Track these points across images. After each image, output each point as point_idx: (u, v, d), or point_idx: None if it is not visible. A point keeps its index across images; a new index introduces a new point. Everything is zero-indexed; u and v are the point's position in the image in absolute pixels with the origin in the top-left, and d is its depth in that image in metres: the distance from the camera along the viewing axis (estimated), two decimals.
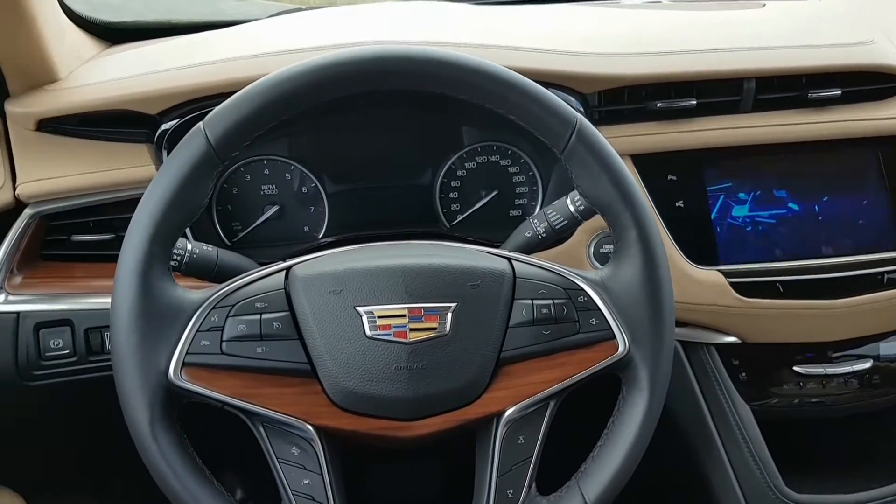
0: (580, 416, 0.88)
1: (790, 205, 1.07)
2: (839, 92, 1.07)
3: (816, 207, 1.07)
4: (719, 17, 1.31)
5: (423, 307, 0.73)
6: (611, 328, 0.76)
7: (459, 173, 1.17)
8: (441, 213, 1.18)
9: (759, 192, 1.07)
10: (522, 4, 1.42)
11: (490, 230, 1.13)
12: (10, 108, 1.00)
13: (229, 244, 1.13)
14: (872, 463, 1.14)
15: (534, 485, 0.75)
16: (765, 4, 1.38)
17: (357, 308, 0.73)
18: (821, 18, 1.31)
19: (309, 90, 0.72)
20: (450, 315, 0.73)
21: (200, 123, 0.72)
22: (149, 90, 0.98)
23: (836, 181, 1.08)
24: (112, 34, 1.30)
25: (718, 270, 1.04)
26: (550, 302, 0.76)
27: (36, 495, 1.22)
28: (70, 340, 0.95)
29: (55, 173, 0.99)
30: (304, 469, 0.72)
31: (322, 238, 1.15)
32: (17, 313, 0.95)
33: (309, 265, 0.77)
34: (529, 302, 0.76)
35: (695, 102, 1.04)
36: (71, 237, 1.02)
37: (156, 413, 0.69)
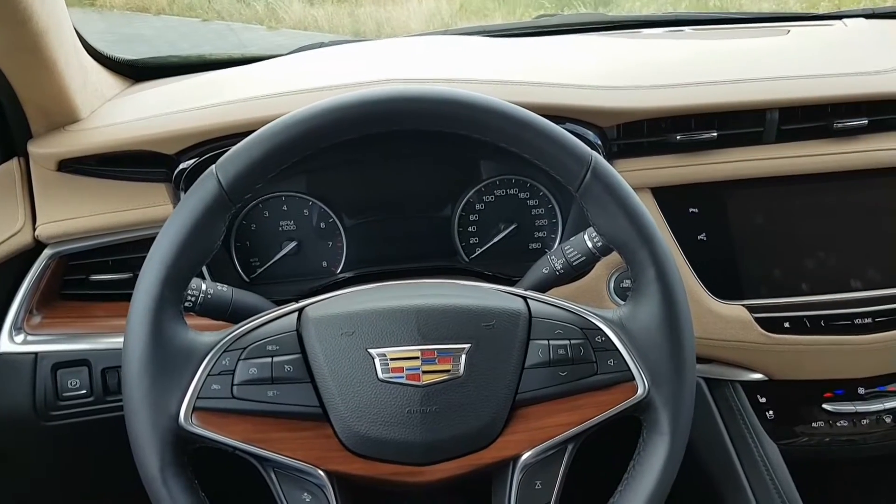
0: (600, 459, 0.86)
1: (817, 237, 1.05)
2: (865, 121, 1.05)
3: (844, 239, 1.05)
4: (742, 45, 1.29)
5: (436, 349, 0.72)
6: (629, 369, 0.75)
7: (478, 206, 1.16)
8: (460, 247, 1.17)
9: (783, 225, 1.05)
10: (539, 36, 1.41)
11: (509, 264, 1.12)
12: (33, 148, 1.01)
13: (248, 280, 1.13)
14: None
15: None
16: (789, 31, 1.36)
17: (369, 350, 0.72)
18: (846, 44, 1.29)
19: (319, 133, 0.72)
20: (463, 357, 0.72)
21: (213, 167, 0.72)
22: (166, 131, 0.99)
23: (863, 212, 1.05)
24: (135, 72, 1.32)
25: (742, 305, 1.01)
26: (567, 342, 0.75)
27: None
28: (87, 380, 0.96)
29: (74, 214, 1.00)
30: None
31: (340, 273, 1.15)
32: (36, 354, 0.96)
33: (321, 306, 0.76)
34: (546, 342, 0.75)
35: (716, 135, 1.03)
36: (90, 277, 1.03)
37: (166, 458, 0.69)
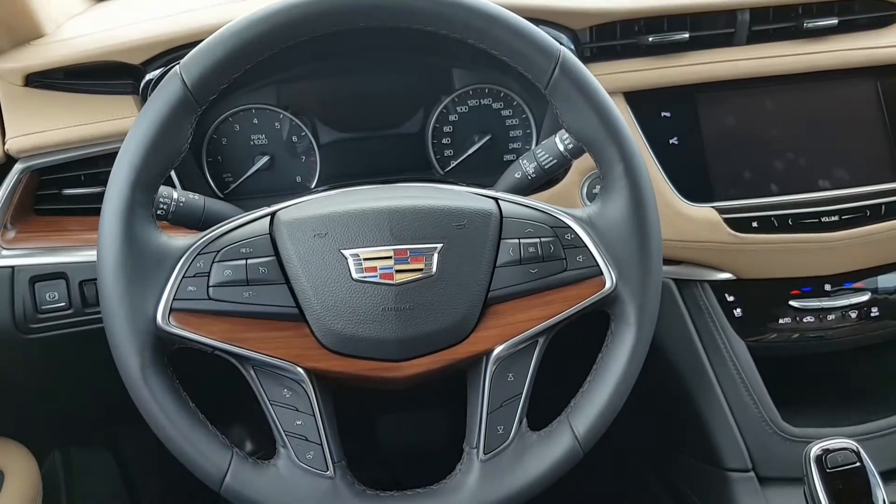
0: (571, 353, 0.88)
1: (786, 138, 1.06)
2: (836, 21, 1.05)
3: (813, 140, 1.06)
4: None
5: (408, 248, 0.73)
6: (598, 265, 0.76)
7: (451, 118, 1.15)
8: (434, 160, 1.17)
9: (753, 127, 1.05)
10: None
11: (485, 175, 1.12)
12: None
13: (221, 196, 1.13)
14: (871, 396, 1.14)
15: (524, 421, 0.76)
16: None
17: (342, 251, 0.73)
18: None
19: (281, 30, 0.71)
20: (436, 256, 0.73)
21: (177, 67, 0.71)
22: (131, 40, 0.98)
23: (832, 112, 1.06)
24: None
25: (712, 207, 1.03)
26: (537, 240, 0.76)
27: (44, 449, 1.25)
28: (65, 293, 0.96)
29: (44, 127, 0.98)
30: (297, 410, 0.73)
31: (315, 188, 1.14)
32: (12, 267, 0.95)
33: (294, 210, 0.77)
34: (516, 241, 0.76)
35: (687, 36, 1.03)
36: (62, 191, 1.02)
37: (146, 358, 0.70)
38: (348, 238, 0.73)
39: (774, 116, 1.06)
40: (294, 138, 1.13)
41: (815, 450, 0.87)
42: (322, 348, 0.73)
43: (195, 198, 0.85)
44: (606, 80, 1.00)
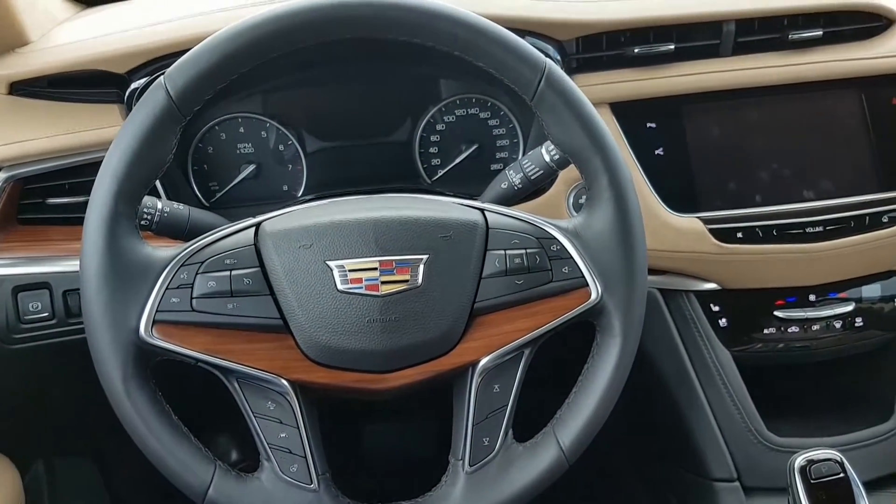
0: (557, 364, 0.88)
1: (771, 149, 1.06)
2: (821, 32, 1.06)
3: (797, 151, 1.06)
4: None
5: (394, 259, 0.73)
6: (583, 276, 0.76)
7: (439, 127, 1.15)
8: (421, 169, 1.17)
9: (739, 137, 1.06)
10: None
11: (472, 185, 1.12)
12: None
13: (207, 205, 1.12)
14: (855, 405, 1.15)
15: (510, 432, 0.76)
16: None
17: (327, 262, 0.72)
18: None
19: (266, 41, 0.71)
20: (421, 267, 0.73)
21: (161, 78, 0.71)
22: (116, 49, 0.97)
23: (817, 123, 1.07)
24: None
25: (697, 217, 1.03)
26: (523, 252, 0.76)
27: (28, 460, 1.24)
28: (49, 303, 0.95)
29: (28, 136, 0.98)
30: (281, 423, 0.73)
31: (301, 197, 1.14)
32: None
33: (279, 220, 0.76)
34: (502, 252, 0.76)
35: (673, 47, 1.03)
36: (46, 200, 1.01)
37: (129, 370, 0.69)
38: (333, 249, 0.73)
39: (760, 127, 1.06)
40: (280, 147, 1.13)
41: (800, 460, 0.88)
42: (306, 360, 0.73)
43: (180, 208, 0.85)
44: (592, 91, 1.01)
